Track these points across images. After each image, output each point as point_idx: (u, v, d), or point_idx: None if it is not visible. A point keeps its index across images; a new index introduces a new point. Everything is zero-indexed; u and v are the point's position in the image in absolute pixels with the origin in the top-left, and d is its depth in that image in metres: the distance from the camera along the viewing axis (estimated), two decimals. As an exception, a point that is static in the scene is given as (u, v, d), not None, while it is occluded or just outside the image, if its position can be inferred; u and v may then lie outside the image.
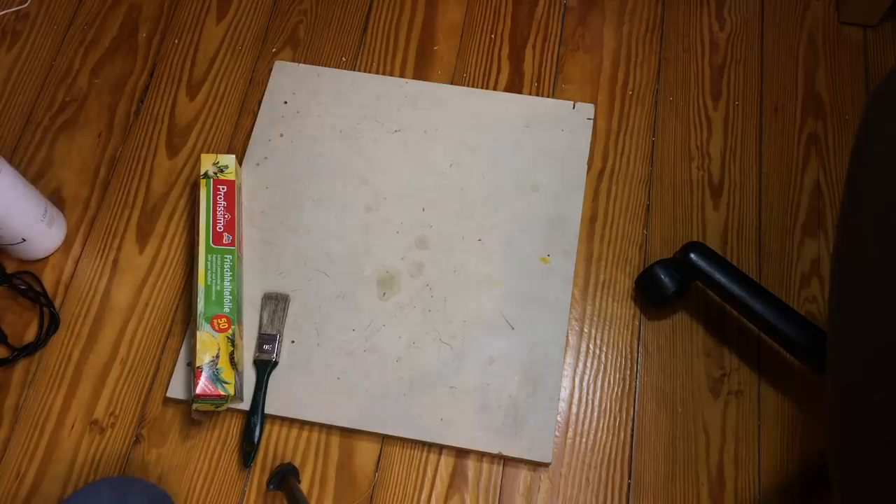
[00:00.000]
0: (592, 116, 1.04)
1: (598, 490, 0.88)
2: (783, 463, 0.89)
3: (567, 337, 0.94)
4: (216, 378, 0.86)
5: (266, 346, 0.91)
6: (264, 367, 0.90)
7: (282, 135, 1.04)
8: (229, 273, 0.91)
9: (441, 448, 0.89)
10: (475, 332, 0.93)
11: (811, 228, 0.99)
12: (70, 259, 0.98)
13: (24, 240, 0.93)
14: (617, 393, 0.92)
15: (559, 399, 0.90)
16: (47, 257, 0.98)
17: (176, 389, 0.91)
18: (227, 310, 0.90)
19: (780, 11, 1.12)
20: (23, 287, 0.95)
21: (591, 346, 0.94)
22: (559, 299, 0.94)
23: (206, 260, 0.92)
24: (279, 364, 0.91)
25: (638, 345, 0.94)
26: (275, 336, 0.92)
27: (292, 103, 1.05)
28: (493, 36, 1.11)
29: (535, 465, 0.89)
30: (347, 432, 0.90)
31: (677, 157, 1.04)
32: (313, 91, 1.06)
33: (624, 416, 0.91)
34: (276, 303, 0.93)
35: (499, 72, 1.08)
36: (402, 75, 1.08)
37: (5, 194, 0.88)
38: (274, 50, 1.10)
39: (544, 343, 0.92)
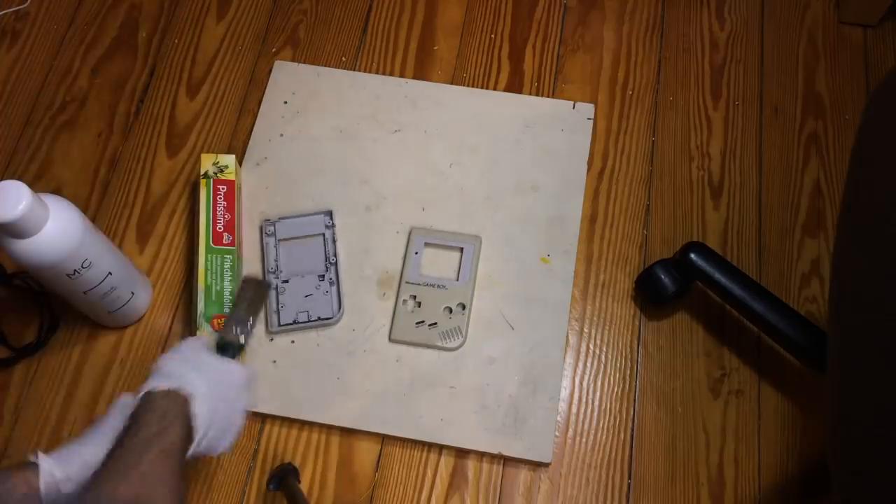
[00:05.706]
0: (592, 116, 1.04)
1: (598, 490, 0.88)
2: (783, 463, 0.89)
3: (567, 337, 0.93)
4: (216, 378, 0.86)
5: (237, 329, 0.78)
6: (230, 350, 0.77)
7: (282, 135, 1.04)
8: (229, 273, 0.91)
9: (441, 448, 0.89)
10: (475, 332, 0.93)
11: (811, 228, 0.99)
12: (70, 259, 0.98)
13: (133, 293, 0.90)
14: (617, 393, 0.92)
15: (559, 399, 0.90)
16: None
17: (176, 389, 0.91)
18: (227, 310, 0.90)
19: (780, 11, 1.12)
20: (23, 287, 0.95)
21: (591, 346, 0.94)
22: (559, 299, 0.94)
23: (206, 260, 0.92)
24: (246, 349, 0.80)
25: (638, 345, 0.94)
26: (246, 319, 0.80)
27: (292, 103, 1.05)
28: (493, 36, 1.11)
29: (535, 465, 0.89)
30: (347, 432, 0.90)
31: (677, 157, 1.04)
32: (313, 91, 1.06)
33: (624, 416, 0.91)
34: (255, 287, 0.83)
35: (499, 72, 1.08)
36: (402, 75, 1.08)
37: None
38: (274, 50, 1.10)
39: (544, 343, 0.92)
